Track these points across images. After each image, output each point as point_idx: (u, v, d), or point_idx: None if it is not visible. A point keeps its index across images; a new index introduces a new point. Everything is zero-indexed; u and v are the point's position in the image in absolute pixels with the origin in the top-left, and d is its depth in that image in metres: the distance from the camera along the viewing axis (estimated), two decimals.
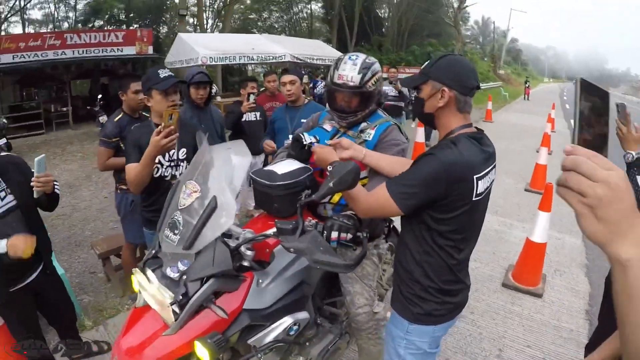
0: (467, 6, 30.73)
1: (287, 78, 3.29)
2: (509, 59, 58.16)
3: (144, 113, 3.08)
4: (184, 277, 1.49)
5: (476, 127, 1.45)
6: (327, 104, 1.96)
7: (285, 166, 1.92)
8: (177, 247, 1.52)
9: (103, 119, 10.59)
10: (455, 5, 29.65)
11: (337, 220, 1.55)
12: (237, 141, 1.75)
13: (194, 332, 1.44)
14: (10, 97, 13.53)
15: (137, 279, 1.58)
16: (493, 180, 1.45)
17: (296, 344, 1.81)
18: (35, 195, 1.96)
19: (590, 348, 2.16)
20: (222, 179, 1.58)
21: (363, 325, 1.96)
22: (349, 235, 1.54)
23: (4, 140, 3.14)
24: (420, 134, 7.59)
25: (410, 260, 1.47)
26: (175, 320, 1.44)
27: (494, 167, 1.43)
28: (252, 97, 3.75)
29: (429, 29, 32.44)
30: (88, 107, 12.41)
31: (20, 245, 1.77)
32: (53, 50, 11.88)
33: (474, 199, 1.34)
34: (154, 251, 1.66)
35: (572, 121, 0.63)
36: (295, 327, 1.67)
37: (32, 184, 1.88)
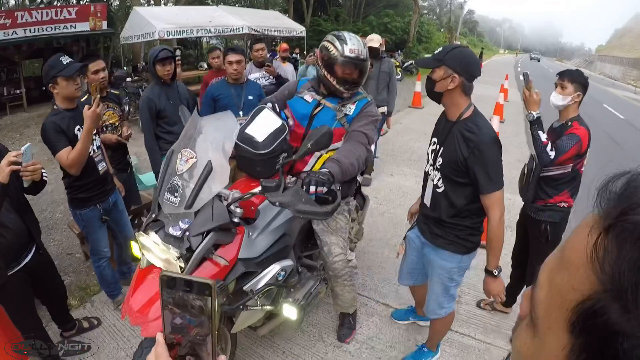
0: None
1: (234, 57, 3.29)
2: (465, 31, 59.15)
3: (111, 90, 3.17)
4: (187, 233, 1.70)
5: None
6: (328, 76, 2.08)
7: (263, 129, 2.03)
8: (178, 207, 1.73)
9: None
10: None
11: (313, 176, 1.71)
12: (226, 112, 1.95)
13: None
14: None
15: (141, 241, 1.74)
16: None
17: (284, 288, 2.07)
18: (25, 185, 1.98)
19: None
20: (215, 146, 1.80)
21: (339, 272, 2.26)
22: (325, 189, 1.73)
23: None
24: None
25: (457, 211, 1.90)
26: (182, 273, 1.66)
27: None
28: None
29: None
30: (43, 88, 11.78)
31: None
32: (3, 30, 10.93)
33: None
34: (153, 215, 1.85)
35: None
36: (282, 273, 1.94)
37: (20, 173, 1.87)
